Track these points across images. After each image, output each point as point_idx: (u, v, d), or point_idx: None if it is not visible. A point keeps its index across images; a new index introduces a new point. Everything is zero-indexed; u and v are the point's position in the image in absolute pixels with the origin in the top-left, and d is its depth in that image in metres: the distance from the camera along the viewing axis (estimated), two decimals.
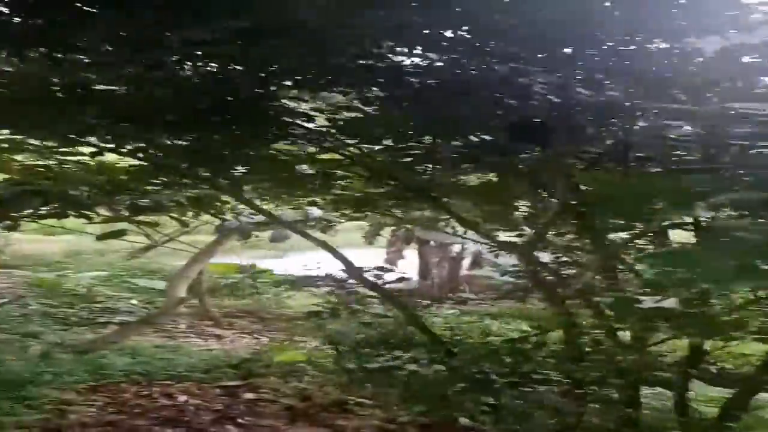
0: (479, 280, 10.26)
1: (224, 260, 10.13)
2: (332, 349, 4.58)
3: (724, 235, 1.36)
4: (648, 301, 2.61)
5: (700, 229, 1.82)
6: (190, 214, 6.51)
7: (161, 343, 6.92)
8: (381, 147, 3.60)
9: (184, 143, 3.68)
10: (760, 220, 1.41)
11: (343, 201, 4.64)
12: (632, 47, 2.49)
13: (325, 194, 4.66)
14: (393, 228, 9.02)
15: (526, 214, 3.87)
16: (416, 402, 3.82)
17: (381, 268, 4.21)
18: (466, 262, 10.47)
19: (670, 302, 2.54)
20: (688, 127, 2.44)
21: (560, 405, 3.41)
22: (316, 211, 5.54)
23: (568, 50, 2.47)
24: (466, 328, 8.08)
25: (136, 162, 4.45)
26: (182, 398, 5.02)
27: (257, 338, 7.77)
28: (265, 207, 5.45)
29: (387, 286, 4.88)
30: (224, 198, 5.78)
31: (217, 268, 9.35)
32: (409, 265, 10.49)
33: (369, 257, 10.16)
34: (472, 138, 3.00)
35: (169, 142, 3.70)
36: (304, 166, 4.15)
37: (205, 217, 6.78)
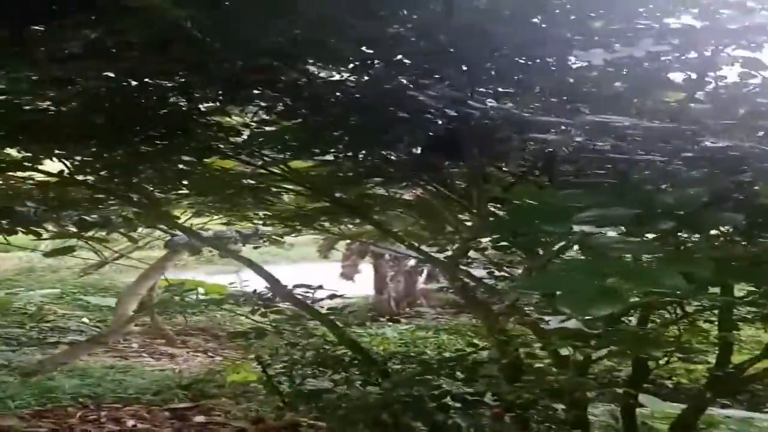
0: (436, 293, 10.25)
1: (180, 276, 10.02)
2: (261, 371, 4.49)
3: (600, 254, 1.33)
4: (553, 321, 2.61)
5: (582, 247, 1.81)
6: (141, 229, 6.40)
7: (112, 363, 6.79)
8: (313, 162, 3.55)
9: (104, 158, 3.59)
10: (632, 238, 1.38)
11: (275, 217, 4.58)
12: (537, 61, 2.50)
13: (261, 210, 4.60)
14: (348, 242, 8.98)
15: (452, 228, 3.85)
16: (352, 427, 3.75)
17: (309, 286, 4.13)
18: (422, 276, 10.45)
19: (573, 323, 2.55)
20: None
21: (498, 428, 3.35)
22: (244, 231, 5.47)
23: (468, 65, 2.46)
24: (421, 344, 8.08)
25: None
26: (130, 422, 4.91)
27: (211, 357, 7.66)
28: (197, 222, 5.36)
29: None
30: (176, 212, 5.68)
31: (171, 284, 9.21)
32: (365, 279, 10.46)
33: (324, 271, 10.12)
34: (393, 153, 2.97)
35: (90, 158, 3.62)
36: (245, 181, 4.08)
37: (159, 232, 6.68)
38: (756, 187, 1.60)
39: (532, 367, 3.55)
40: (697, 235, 1.54)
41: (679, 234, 1.46)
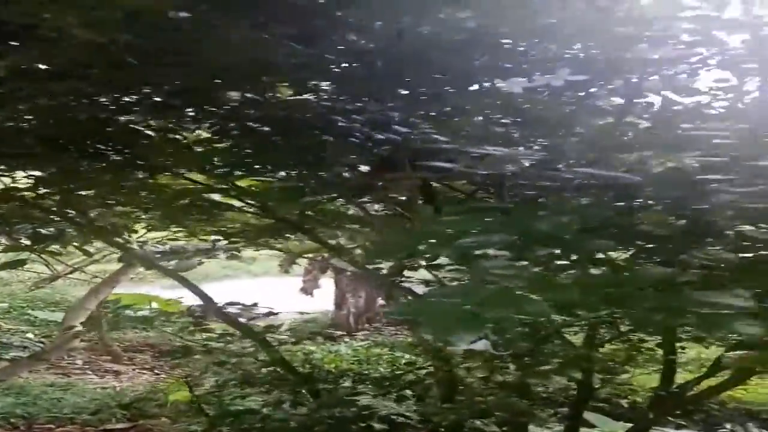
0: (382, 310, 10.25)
1: (134, 290, 9.88)
2: (189, 391, 4.42)
3: (479, 279, 1.36)
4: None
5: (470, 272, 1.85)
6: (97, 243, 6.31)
7: (53, 380, 6.63)
8: (261, 179, 3.55)
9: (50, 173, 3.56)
10: (516, 264, 1.41)
11: (221, 233, 4.56)
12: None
13: (207, 226, 4.58)
14: (309, 256, 8.95)
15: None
16: None
17: (243, 304, 4.09)
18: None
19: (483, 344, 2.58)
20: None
21: None
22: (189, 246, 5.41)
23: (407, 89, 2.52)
24: (374, 361, 8.05)
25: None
26: None
27: (157, 374, 7.54)
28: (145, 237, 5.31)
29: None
30: (132, 227, 5.61)
31: (123, 299, 9.09)
32: (325, 294, 10.43)
33: (285, 286, 10.08)
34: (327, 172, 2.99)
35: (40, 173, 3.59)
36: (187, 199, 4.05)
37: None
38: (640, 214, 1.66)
39: (467, 386, 3.56)
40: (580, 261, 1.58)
41: (558, 260, 1.50)
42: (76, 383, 6.60)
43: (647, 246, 1.67)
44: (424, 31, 2.30)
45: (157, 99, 2.43)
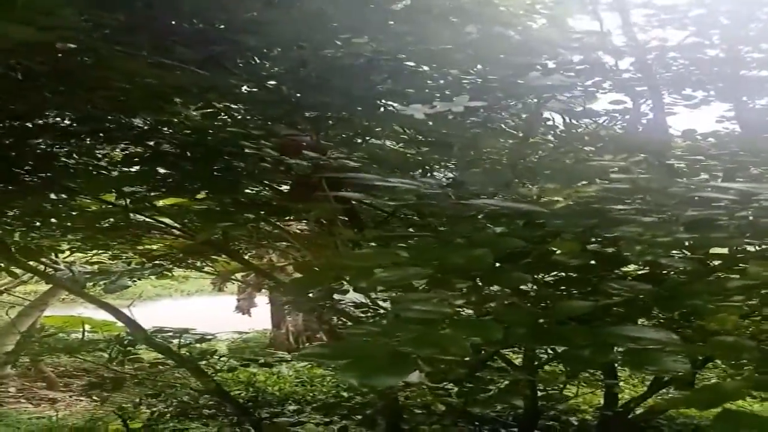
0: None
1: (66, 312, 9.62)
2: (120, 425, 4.33)
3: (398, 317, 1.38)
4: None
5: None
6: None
7: None
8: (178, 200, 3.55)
9: None
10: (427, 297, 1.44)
11: (145, 255, 4.53)
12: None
13: (129, 248, 4.54)
14: (243, 274, 8.86)
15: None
16: None
17: (174, 330, 4.01)
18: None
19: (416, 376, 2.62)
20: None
21: None
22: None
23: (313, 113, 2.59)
24: (318, 383, 7.94)
25: None
26: None
27: (95, 401, 7.33)
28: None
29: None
30: (59, 247, 5.50)
31: (53, 321, 8.86)
32: (262, 312, 10.31)
33: (219, 305, 9.94)
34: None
35: None
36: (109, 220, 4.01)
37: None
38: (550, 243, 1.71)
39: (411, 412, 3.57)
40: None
41: (477, 292, 1.54)
42: (9, 413, 6.37)
43: (561, 275, 1.71)
44: (324, 57, 2.38)
45: (64, 124, 2.43)
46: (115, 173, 2.95)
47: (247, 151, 2.33)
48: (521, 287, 1.81)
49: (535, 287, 1.87)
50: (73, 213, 3.83)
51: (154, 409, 4.32)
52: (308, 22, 2.29)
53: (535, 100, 2.63)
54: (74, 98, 2.15)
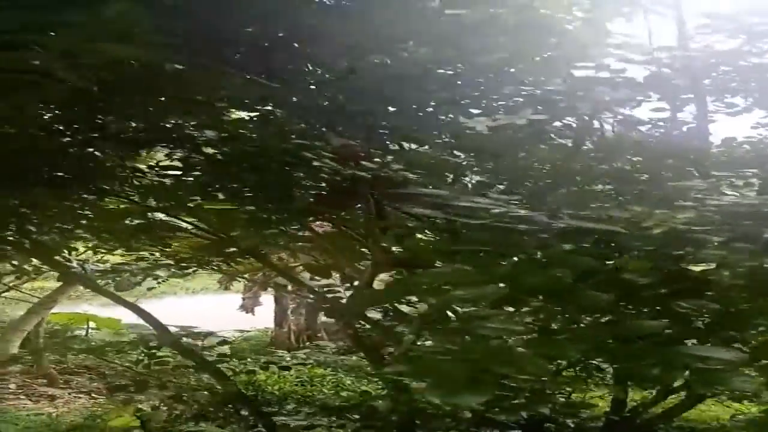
0: (338, 327, 10.18)
1: (73, 309, 9.55)
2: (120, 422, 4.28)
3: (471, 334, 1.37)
4: None
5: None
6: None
7: None
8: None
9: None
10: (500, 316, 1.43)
11: (171, 257, 4.51)
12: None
13: (156, 250, 4.52)
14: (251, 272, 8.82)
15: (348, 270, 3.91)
16: None
17: (193, 330, 3.98)
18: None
19: None
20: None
21: None
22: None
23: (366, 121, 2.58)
24: (318, 383, 7.91)
25: None
26: None
27: (95, 398, 7.26)
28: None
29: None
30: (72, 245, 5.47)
31: (59, 319, 8.81)
32: (266, 311, 10.29)
33: (225, 303, 9.89)
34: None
35: None
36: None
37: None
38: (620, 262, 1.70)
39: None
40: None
41: (551, 309, 1.54)
42: (8, 409, 6.30)
43: (631, 294, 1.70)
44: (379, 65, 2.37)
45: (127, 134, 2.42)
46: (167, 180, 2.93)
47: (312, 162, 2.31)
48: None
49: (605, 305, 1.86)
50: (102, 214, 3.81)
51: (175, 411, 4.29)
52: (365, 31, 2.29)
53: (589, 113, 2.64)
54: (144, 109, 2.13)
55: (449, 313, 2.42)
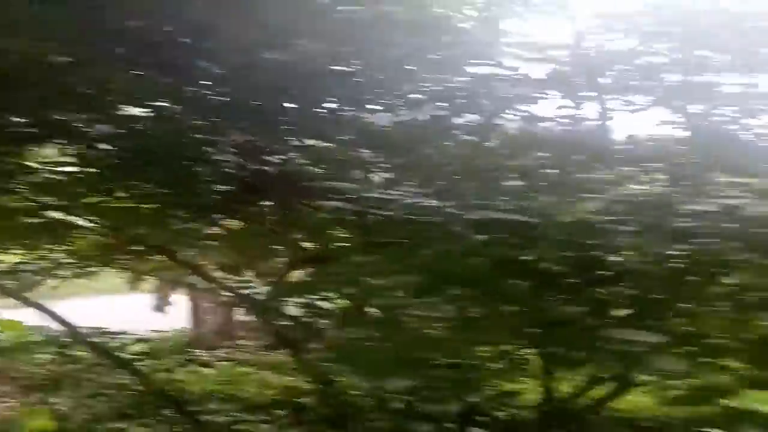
0: (256, 326, 10.03)
1: None
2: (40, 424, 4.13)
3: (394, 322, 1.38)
4: None
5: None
6: None
7: None
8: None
9: None
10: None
11: (72, 253, 4.34)
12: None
13: (56, 246, 4.34)
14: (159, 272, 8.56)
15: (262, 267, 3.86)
16: None
17: (107, 330, 3.88)
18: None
19: None
20: None
21: None
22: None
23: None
24: (241, 381, 7.78)
25: None
26: None
27: (5, 402, 6.94)
28: None
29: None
30: None
31: None
32: (180, 310, 10.02)
33: (134, 303, 9.57)
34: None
35: None
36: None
37: None
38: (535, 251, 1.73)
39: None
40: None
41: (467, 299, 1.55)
42: None
43: (547, 282, 1.73)
44: (273, 61, 2.34)
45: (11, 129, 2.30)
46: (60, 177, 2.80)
47: (214, 157, 2.26)
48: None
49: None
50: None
51: (93, 411, 4.15)
52: (257, 27, 2.25)
53: (490, 109, 2.68)
54: (28, 103, 2.03)
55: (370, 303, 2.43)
